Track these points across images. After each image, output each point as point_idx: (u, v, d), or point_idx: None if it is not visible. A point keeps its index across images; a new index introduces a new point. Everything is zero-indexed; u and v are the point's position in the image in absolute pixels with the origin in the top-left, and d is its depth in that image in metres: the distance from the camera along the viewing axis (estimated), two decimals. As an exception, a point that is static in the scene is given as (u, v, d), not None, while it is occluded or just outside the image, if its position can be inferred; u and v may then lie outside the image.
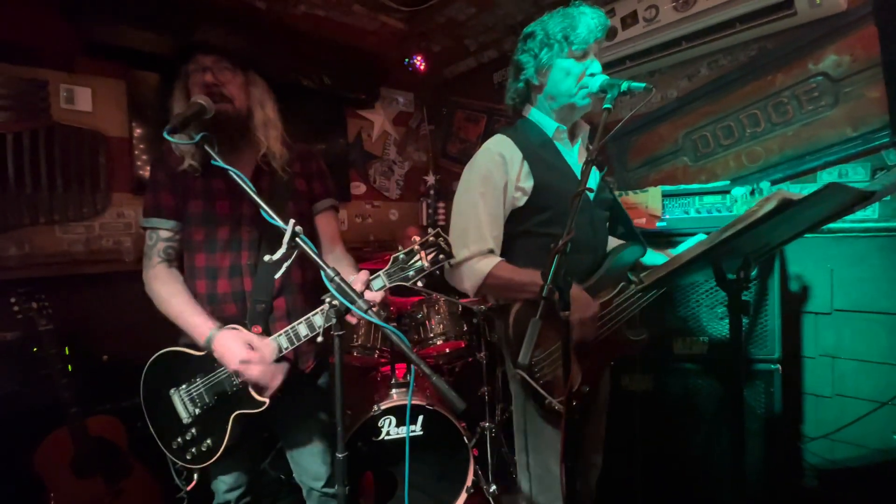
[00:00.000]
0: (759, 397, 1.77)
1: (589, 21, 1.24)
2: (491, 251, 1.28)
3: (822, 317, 2.00)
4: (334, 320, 1.00)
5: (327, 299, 0.99)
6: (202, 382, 1.29)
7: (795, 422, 2.03)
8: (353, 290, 0.98)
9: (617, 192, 2.12)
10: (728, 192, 1.95)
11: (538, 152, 1.33)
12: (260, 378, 1.22)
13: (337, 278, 0.97)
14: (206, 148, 1.09)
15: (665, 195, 2.02)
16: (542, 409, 1.24)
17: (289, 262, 0.98)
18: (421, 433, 2.09)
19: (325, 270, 0.97)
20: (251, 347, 1.22)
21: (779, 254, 1.81)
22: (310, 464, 1.48)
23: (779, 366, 1.76)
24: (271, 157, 1.37)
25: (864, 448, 1.88)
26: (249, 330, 1.27)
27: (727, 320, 1.19)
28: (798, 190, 2.05)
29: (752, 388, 1.77)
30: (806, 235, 1.20)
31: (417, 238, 1.09)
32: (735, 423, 1.29)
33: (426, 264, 1.08)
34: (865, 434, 1.87)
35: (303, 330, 1.22)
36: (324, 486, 1.48)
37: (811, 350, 2.02)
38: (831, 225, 1.82)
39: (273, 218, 1.01)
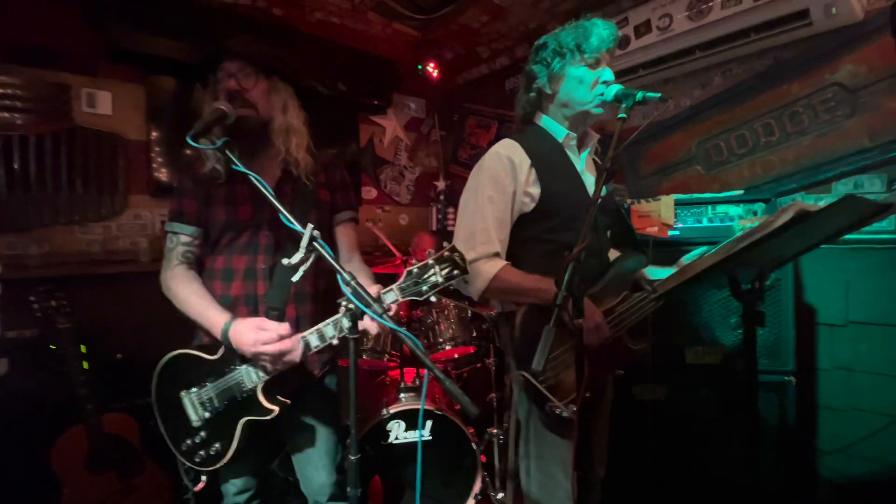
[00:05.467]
0: (773, 409, 1.75)
1: (601, 31, 1.26)
2: (497, 254, 1.29)
3: (837, 329, 1.97)
4: (349, 323, 1.01)
5: (343, 303, 1.00)
6: (212, 387, 1.29)
7: (809, 435, 2.00)
8: (369, 295, 0.99)
9: (629, 201, 2.13)
10: (741, 201, 1.94)
11: (547, 159, 1.34)
12: (277, 355, 1.19)
13: (353, 282, 0.98)
14: (228, 153, 1.11)
15: (678, 204, 2.02)
16: (544, 415, 1.23)
17: (306, 265, 1.00)
18: (430, 438, 2.09)
19: (341, 274, 0.99)
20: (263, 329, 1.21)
21: (794, 265, 1.79)
22: (314, 476, 1.48)
23: (793, 378, 1.74)
24: (293, 165, 1.39)
25: (880, 463, 1.84)
26: None
27: (741, 330, 1.19)
28: (813, 201, 2.04)
29: (765, 399, 1.75)
30: (821, 247, 1.20)
31: (432, 251, 1.08)
32: (749, 436, 1.27)
33: (440, 279, 1.06)
34: (881, 449, 1.83)
35: (314, 340, 1.21)
36: (328, 501, 1.48)
37: (826, 362, 2.00)
38: (847, 236, 1.80)
39: (291, 222, 1.02)
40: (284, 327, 1.20)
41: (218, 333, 1.25)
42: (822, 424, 2.00)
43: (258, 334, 1.19)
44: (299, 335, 1.22)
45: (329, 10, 2.73)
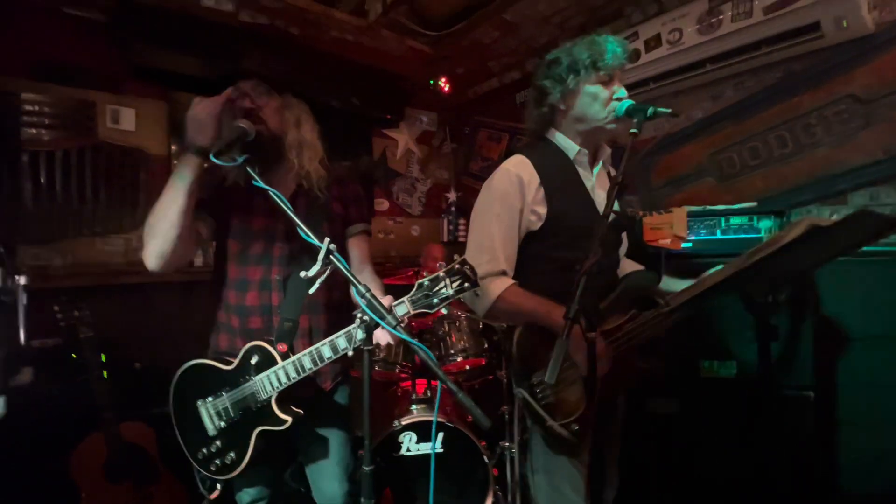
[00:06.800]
0: (792, 424, 1.72)
1: (615, 48, 1.28)
2: (503, 272, 1.30)
3: (857, 342, 1.93)
4: (364, 335, 1.03)
5: (358, 315, 1.02)
6: (228, 396, 1.32)
7: (829, 451, 1.95)
8: (383, 307, 1.01)
9: (641, 213, 2.13)
10: (755, 213, 1.93)
11: (556, 177, 1.34)
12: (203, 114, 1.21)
13: (368, 294, 1.00)
14: (248, 169, 1.15)
15: (691, 216, 2.01)
16: (544, 432, 1.23)
17: (322, 277, 1.02)
18: (441, 451, 2.08)
19: (356, 286, 1.01)
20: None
21: (812, 278, 1.77)
22: (326, 486, 1.49)
23: (811, 392, 1.71)
24: (306, 178, 1.42)
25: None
26: (275, 347, 1.31)
27: (756, 344, 1.18)
28: (829, 212, 2.02)
29: (784, 414, 1.72)
30: (840, 259, 1.19)
31: (443, 264, 1.09)
32: (767, 451, 1.26)
33: (451, 292, 1.07)
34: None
35: (327, 352, 1.23)
36: None
37: (846, 376, 1.95)
38: (866, 248, 1.77)
39: (309, 235, 1.05)
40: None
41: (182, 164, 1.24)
42: (842, 440, 1.95)
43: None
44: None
45: (344, 28, 2.79)
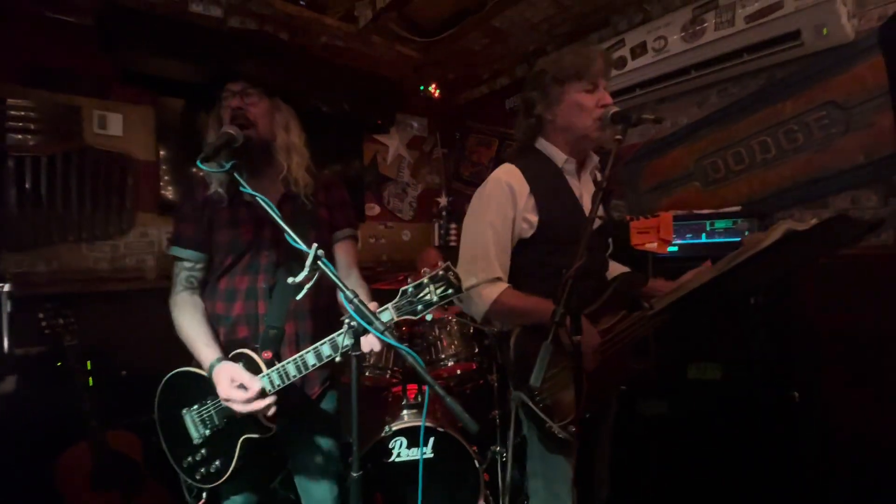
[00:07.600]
0: (778, 425, 1.74)
1: (598, 57, 1.30)
2: (498, 279, 1.32)
3: (841, 342, 1.97)
4: (351, 341, 1.03)
5: (346, 320, 1.01)
6: (213, 405, 1.30)
7: (814, 452, 1.98)
8: (371, 312, 1.01)
9: (629, 217, 2.16)
10: (740, 216, 1.96)
11: (545, 185, 1.37)
12: (242, 412, 1.21)
13: (356, 300, 1.00)
14: (236, 175, 1.15)
15: (676, 219, 2.04)
16: (542, 435, 1.24)
17: (310, 284, 1.02)
18: (432, 456, 2.07)
19: (344, 292, 1.00)
20: (240, 385, 1.20)
21: (797, 279, 1.80)
22: (314, 490, 1.48)
23: (796, 392, 1.73)
24: (293, 183, 1.42)
25: (889, 482, 1.82)
26: (260, 354, 1.30)
27: (740, 346, 1.20)
28: (811, 217, 2.05)
29: (769, 415, 1.75)
30: (823, 261, 1.21)
31: (427, 270, 1.09)
32: (752, 452, 1.27)
33: (435, 298, 1.07)
34: (889, 468, 1.82)
35: (311, 359, 1.21)
36: None
37: (829, 376, 1.99)
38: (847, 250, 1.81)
39: (296, 241, 1.05)
40: (255, 387, 1.19)
41: (205, 369, 1.27)
42: (827, 442, 1.98)
43: (230, 392, 1.19)
44: (268, 400, 1.21)
45: (334, 34, 2.80)
